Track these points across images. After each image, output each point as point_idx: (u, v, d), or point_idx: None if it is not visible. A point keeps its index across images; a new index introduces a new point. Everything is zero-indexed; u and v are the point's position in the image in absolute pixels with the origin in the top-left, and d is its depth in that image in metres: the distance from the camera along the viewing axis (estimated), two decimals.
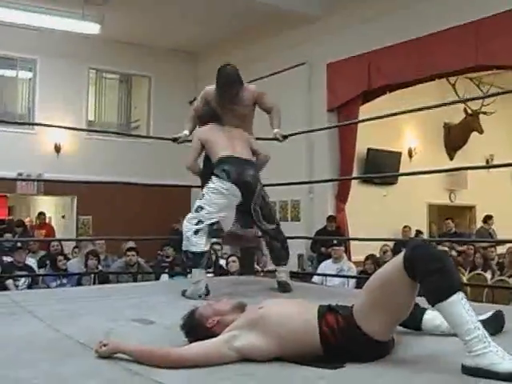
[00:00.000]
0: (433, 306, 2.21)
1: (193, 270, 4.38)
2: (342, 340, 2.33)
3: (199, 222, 4.26)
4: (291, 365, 2.36)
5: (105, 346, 2.48)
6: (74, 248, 9.68)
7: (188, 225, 4.31)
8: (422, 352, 2.51)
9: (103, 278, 7.69)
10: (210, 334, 2.54)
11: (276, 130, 4.91)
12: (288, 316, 2.45)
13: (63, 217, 13.41)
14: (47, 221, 13.43)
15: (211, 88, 4.80)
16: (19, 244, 8.06)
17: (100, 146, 12.17)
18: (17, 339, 2.90)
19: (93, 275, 7.78)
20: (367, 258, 8.23)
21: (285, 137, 5.03)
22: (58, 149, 12.07)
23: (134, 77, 13.53)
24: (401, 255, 2.28)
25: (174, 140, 5.15)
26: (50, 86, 12.06)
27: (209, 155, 4.57)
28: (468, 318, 2.11)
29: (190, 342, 2.56)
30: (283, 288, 4.51)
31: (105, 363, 2.39)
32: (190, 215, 4.36)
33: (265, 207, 4.48)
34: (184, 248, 4.37)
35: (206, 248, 4.33)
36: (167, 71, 13.17)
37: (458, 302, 2.13)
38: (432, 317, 2.72)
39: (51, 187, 11.60)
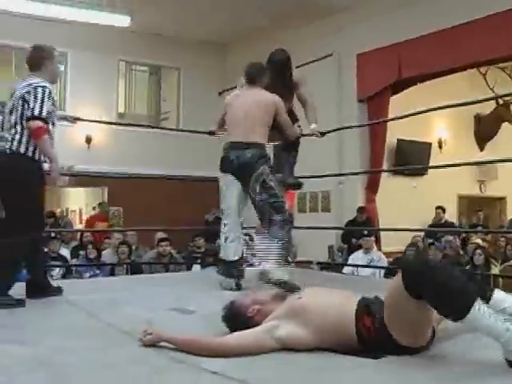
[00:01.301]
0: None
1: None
2: (376, 341, 2.36)
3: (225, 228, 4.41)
4: (331, 354, 2.41)
5: (149, 334, 2.54)
6: (105, 239, 9.75)
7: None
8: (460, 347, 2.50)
9: (136, 269, 7.79)
10: (251, 323, 2.59)
11: (313, 126, 4.95)
12: (327, 307, 2.48)
13: (94, 208, 13.55)
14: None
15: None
16: (53, 234, 8.16)
17: (130, 137, 12.23)
18: (61, 328, 2.99)
19: (125, 266, 7.88)
20: (410, 245, 8.39)
21: (322, 133, 5.08)
22: (88, 140, 12.19)
23: (163, 68, 13.58)
24: (399, 280, 2.24)
25: (210, 133, 5.20)
26: (81, 79, 12.16)
27: None
28: (493, 325, 2.10)
29: (231, 331, 2.61)
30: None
31: (150, 351, 2.46)
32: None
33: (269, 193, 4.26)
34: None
35: (236, 257, 4.34)
36: (196, 63, 13.20)
37: (477, 314, 2.10)
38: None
39: (82, 179, 11.70)
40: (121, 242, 8.45)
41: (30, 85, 3.83)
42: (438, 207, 10.74)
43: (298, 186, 5.30)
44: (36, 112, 3.74)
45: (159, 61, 13.19)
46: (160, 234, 8.93)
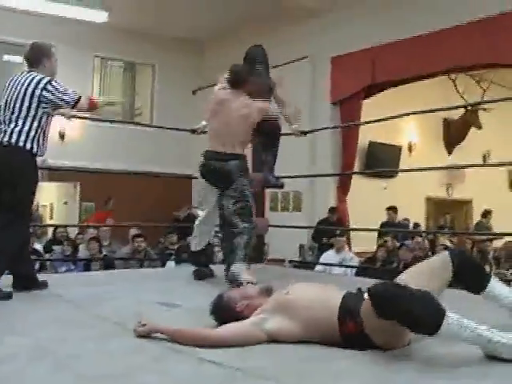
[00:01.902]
0: None
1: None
2: (358, 342, 2.49)
3: None
4: (317, 345, 2.55)
5: (143, 325, 2.66)
6: (78, 234, 9.78)
7: None
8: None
9: (109, 264, 7.86)
10: (239, 316, 2.73)
11: (296, 126, 5.08)
12: (313, 303, 2.61)
13: (65, 203, 13.53)
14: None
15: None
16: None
17: (104, 132, 12.25)
18: (54, 320, 3.08)
19: (100, 261, 7.95)
20: (380, 246, 8.58)
21: (304, 133, 5.21)
22: (62, 135, 12.18)
23: (138, 65, 13.62)
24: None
25: (193, 131, 5.30)
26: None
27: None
28: (471, 338, 2.25)
29: (219, 325, 2.74)
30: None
31: (147, 341, 2.59)
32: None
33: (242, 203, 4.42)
34: None
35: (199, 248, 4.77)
36: (172, 60, 13.26)
37: (450, 330, 2.24)
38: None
39: (54, 174, 11.70)
40: (91, 238, 8.53)
41: (39, 82, 3.92)
42: (389, 208, 10.55)
43: (280, 186, 5.44)
44: (71, 101, 4.04)
45: (134, 57, 13.22)
46: (134, 230, 9.00)
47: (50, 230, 10.36)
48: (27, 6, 10.66)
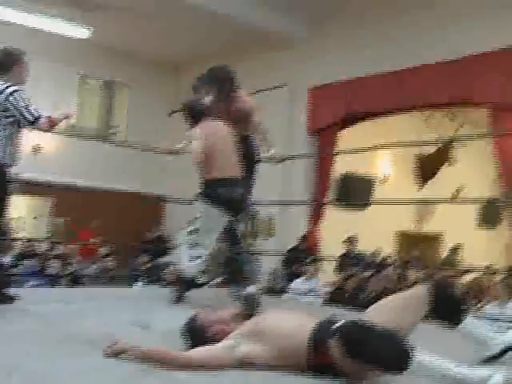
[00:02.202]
0: None
1: None
2: (327, 370, 2.51)
3: None
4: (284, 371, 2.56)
5: (112, 346, 2.64)
6: (47, 250, 9.67)
7: None
8: None
9: (77, 281, 7.81)
10: (211, 341, 2.72)
11: (273, 151, 5.10)
12: (283, 331, 2.62)
13: (35, 218, 13.38)
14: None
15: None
16: None
17: (79, 148, 12.19)
18: (21, 335, 3.05)
19: (68, 278, 7.89)
20: (350, 276, 8.61)
21: (281, 159, 5.26)
22: (36, 149, 12.09)
23: (116, 84, 13.61)
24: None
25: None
26: (34, 87, 12.06)
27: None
28: (434, 371, 2.36)
29: (189, 348, 2.73)
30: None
31: (115, 361, 2.57)
32: None
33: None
34: None
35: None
36: (148, 81, 13.28)
37: (418, 367, 2.33)
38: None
39: (28, 187, 11.59)
40: (56, 255, 8.48)
41: (3, 91, 3.87)
42: (346, 240, 10.28)
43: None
44: (35, 115, 3.92)
45: (112, 76, 13.21)
46: (104, 249, 8.96)
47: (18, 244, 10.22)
48: (8, 17, 10.60)
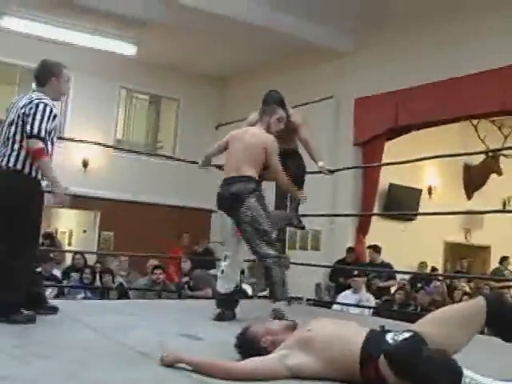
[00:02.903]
0: None
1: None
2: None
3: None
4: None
5: (169, 355, 2.70)
6: (96, 263, 9.81)
7: None
8: None
9: (126, 294, 7.91)
10: (263, 352, 2.76)
11: (321, 164, 5.13)
12: (333, 342, 2.62)
13: (85, 231, 13.64)
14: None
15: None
16: (52, 255, 8.30)
17: (126, 163, 12.41)
18: (77, 345, 3.13)
19: (117, 291, 8.00)
20: (399, 289, 8.60)
21: (331, 171, 5.27)
22: (85, 164, 12.34)
23: (163, 99, 13.81)
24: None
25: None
26: (82, 103, 12.35)
27: None
28: None
29: (242, 358, 2.77)
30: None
31: (170, 371, 2.62)
32: None
33: (258, 227, 4.30)
34: None
35: (226, 291, 4.49)
36: (196, 95, 13.45)
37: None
38: None
39: (76, 201, 11.79)
40: (103, 270, 8.61)
41: (32, 101, 3.81)
42: (370, 246, 10.08)
43: (302, 227, 5.45)
44: (35, 131, 3.69)
45: (159, 90, 13.42)
46: (153, 261, 9.05)
47: (69, 257, 10.43)
48: (58, 35, 10.89)
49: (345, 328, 2.75)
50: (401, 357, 2.29)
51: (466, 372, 2.26)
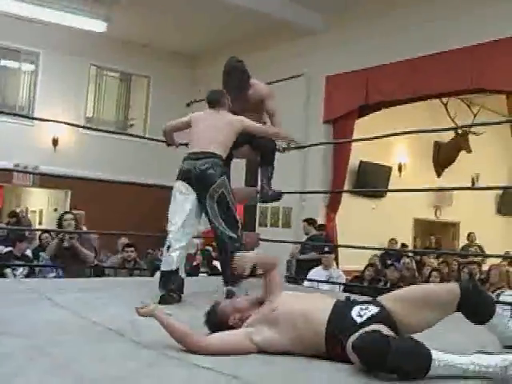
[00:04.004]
0: None
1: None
2: (346, 359, 2.52)
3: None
4: (304, 357, 2.62)
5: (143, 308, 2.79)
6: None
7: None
8: None
9: (98, 273, 7.88)
10: (231, 328, 2.80)
11: (280, 141, 5.13)
12: (299, 321, 2.65)
13: (55, 210, 13.56)
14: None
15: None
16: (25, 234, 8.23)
17: (97, 141, 12.33)
18: (47, 324, 3.12)
19: (89, 269, 7.95)
20: (368, 265, 8.70)
21: (285, 149, 5.25)
22: (55, 142, 12.23)
23: (133, 76, 13.71)
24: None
25: (168, 144, 5.28)
26: (51, 80, 12.23)
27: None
28: (463, 367, 2.31)
29: (212, 333, 2.81)
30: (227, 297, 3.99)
31: (141, 347, 2.64)
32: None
33: (225, 208, 4.23)
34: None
35: (173, 267, 4.16)
36: (166, 73, 13.40)
37: (435, 371, 2.29)
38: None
39: (46, 180, 11.73)
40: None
41: None
42: (305, 220, 9.82)
43: (278, 197, 5.39)
44: None
45: (130, 68, 13.33)
46: (124, 240, 9.04)
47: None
48: (27, 12, 10.72)
49: (310, 304, 2.75)
50: (368, 351, 2.30)
51: (435, 355, 2.29)
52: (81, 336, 2.86)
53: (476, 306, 2.58)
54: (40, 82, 12.30)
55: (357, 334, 2.39)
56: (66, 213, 7.79)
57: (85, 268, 7.23)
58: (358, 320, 2.54)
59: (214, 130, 4.37)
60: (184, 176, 4.30)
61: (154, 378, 2.21)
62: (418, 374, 2.28)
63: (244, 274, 3.07)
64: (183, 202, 4.24)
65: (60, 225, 7.12)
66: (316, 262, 8.50)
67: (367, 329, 2.40)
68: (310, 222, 9.72)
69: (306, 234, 9.69)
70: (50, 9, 10.58)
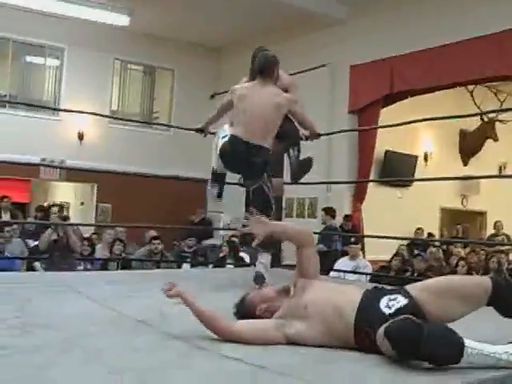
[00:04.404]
0: None
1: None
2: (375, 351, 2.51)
3: None
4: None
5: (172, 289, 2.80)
6: (93, 234, 9.83)
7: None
8: None
9: (126, 265, 7.96)
10: (260, 319, 2.80)
11: (303, 131, 5.09)
12: (329, 314, 2.62)
13: (82, 203, 13.68)
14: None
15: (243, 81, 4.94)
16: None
17: (122, 135, 12.44)
18: (78, 315, 3.16)
19: (117, 262, 8.04)
20: (395, 255, 8.67)
21: (307, 137, 5.21)
22: (81, 136, 12.33)
23: (157, 69, 13.76)
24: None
25: (197, 130, 5.23)
26: (76, 75, 12.32)
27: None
28: (496, 356, 2.30)
29: None
30: (255, 281, 4.26)
31: (171, 338, 2.66)
32: None
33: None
34: None
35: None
36: (191, 65, 13.41)
37: (468, 360, 2.28)
38: None
39: (72, 174, 11.83)
40: (115, 239, 8.64)
41: None
42: (324, 209, 9.92)
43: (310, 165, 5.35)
44: None
45: (154, 61, 13.36)
46: (152, 232, 9.11)
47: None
48: (51, 8, 10.82)
49: (339, 296, 2.72)
50: (402, 337, 2.28)
51: (468, 343, 2.28)
52: (111, 328, 2.89)
53: (509, 301, 2.55)
54: (65, 77, 12.39)
55: (388, 322, 2.37)
56: (53, 205, 7.97)
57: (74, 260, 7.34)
58: (387, 311, 2.52)
59: (263, 116, 4.28)
60: (228, 162, 4.37)
61: (184, 369, 2.22)
62: (451, 360, 2.27)
63: (259, 236, 2.98)
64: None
65: (48, 216, 7.22)
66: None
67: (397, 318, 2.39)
68: (328, 211, 9.69)
69: (323, 223, 9.67)
70: (74, 4, 10.66)
